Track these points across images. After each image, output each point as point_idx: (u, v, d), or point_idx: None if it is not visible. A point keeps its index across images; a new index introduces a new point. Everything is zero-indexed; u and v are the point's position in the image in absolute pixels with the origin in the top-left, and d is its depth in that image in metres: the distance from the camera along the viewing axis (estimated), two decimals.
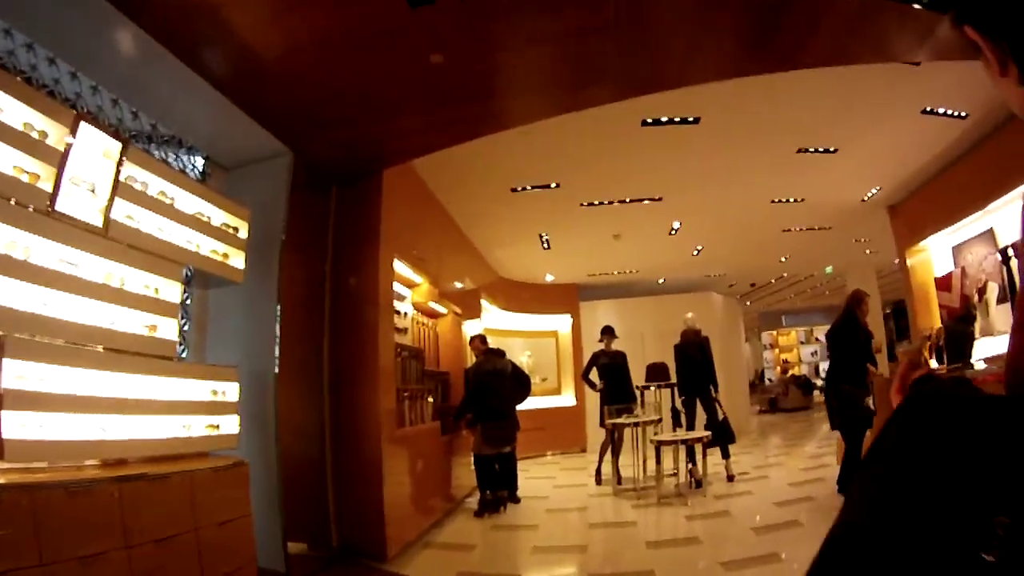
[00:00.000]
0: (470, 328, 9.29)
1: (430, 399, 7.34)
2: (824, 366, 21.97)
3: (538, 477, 9.84)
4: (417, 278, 7.37)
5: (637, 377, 9.20)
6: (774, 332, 22.37)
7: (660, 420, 8.18)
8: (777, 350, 22.03)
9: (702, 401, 8.23)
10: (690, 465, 7.60)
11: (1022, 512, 0.59)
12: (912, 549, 0.65)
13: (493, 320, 12.05)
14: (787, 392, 18.62)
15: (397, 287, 6.79)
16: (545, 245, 10.33)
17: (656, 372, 9.11)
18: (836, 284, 17.87)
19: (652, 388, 9.00)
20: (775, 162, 7.66)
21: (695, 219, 9.66)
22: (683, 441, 7.46)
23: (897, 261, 9.76)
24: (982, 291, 7.73)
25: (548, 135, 6.18)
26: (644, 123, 6.26)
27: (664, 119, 6.21)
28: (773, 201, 9.11)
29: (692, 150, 7.09)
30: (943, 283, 8.68)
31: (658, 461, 7.28)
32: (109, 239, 3.55)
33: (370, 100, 4.86)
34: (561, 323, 13.66)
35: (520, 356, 12.86)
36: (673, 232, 10.15)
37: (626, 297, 13.80)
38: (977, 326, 7.69)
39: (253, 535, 4.04)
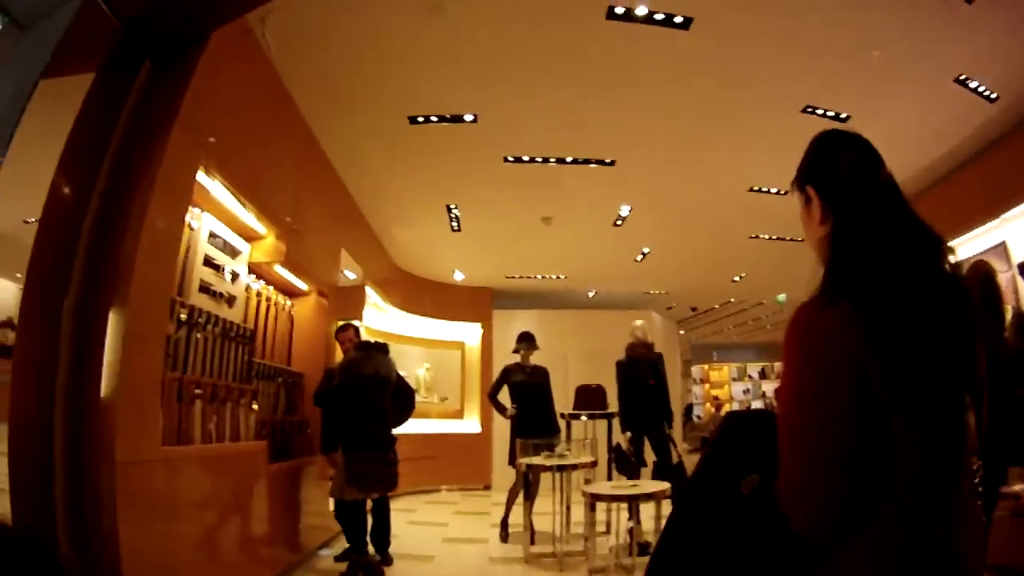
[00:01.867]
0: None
1: (255, 406, 4.88)
2: (758, 405, 21.17)
3: (425, 523, 7.56)
4: (259, 227, 4.99)
5: (562, 403, 7.07)
6: (705, 366, 20.90)
7: (595, 463, 5.99)
8: (708, 385, 20.67)
9: (651, 438, 6.15)
10: (632, 523, 5.32)
11: (766, 473, 1.18)
12: (712, 489, 1.33)
13: (384, 321, 9.75)
14: None
15: (224, 233, 4.63)
16: (454, 223, 8.05)
17: (589, 397, 6.95)
18: (779, 319, 16.32)
19: (583, 418, 6.82)
20: (773, 120, 5.70)
21: (649, 204, 7.56)
22: (630, 497, 5.05)
23: None
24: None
25: (469, 30, 4.30)
26: (611, 15, 4.17)
27: (642, 11, 4.15)
28: (752, 189, 7.15)
29: (673, 83, 5.10)
30: None
31: (591, 521, 4.99)
32: None
33: None
34: (469, 333, 11.36)
35: (416, 369, 10.59)
36: (619, 222, 8.03)
37: (549, 309, 11.69)
38: None
39: None
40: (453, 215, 7.79)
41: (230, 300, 4.76)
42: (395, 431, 5.58)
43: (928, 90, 5.30)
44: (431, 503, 9.05)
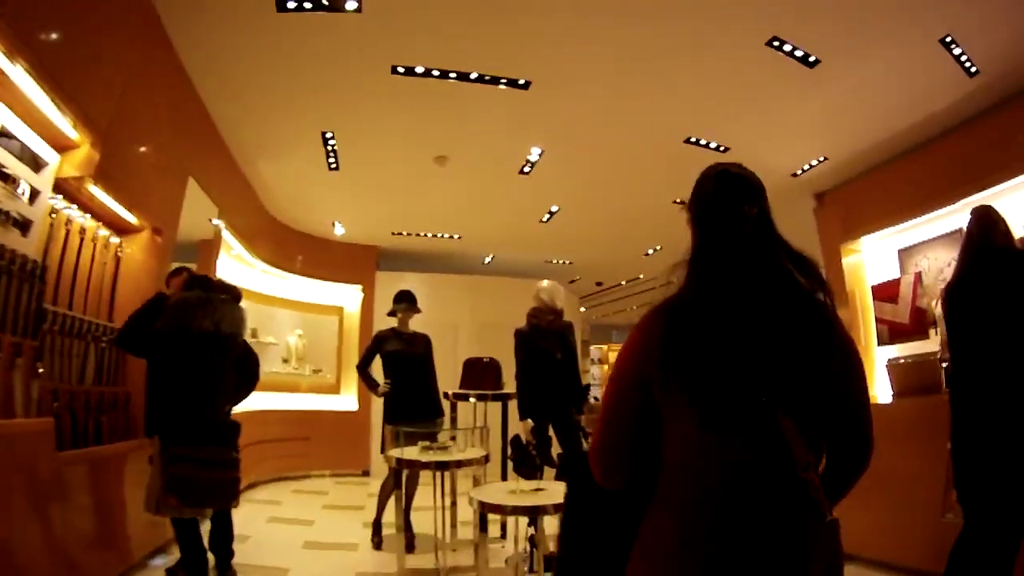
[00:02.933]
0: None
1: (40, 368, 3.40)
2: None
3: (287, 520, 6.27)
4: (72, 132, 3.53)
5: (449, 382, 5.92)
6: (604, 347, 20.05)
7: (487, 459, 4.66)
8: (606, 367, 19.94)
9: (557, 426, 5.09)
10: (532, 530, 4.17)
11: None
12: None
13: (250, 277, 8.28)
14: None
15: (25, 136, 3.37)
16: (332, 159, 6.64)
17: (480, 373, 5.71)
18: None
19: (471, 399, 5.57)
20: (731, 56, 4.74)
21: (564, 147, 6.41)
22: (530, 510, 3.60)
23: (823, 260, 7.29)
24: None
25: None
26: None
27: None
28: (689, 140, 6.14)
29: None
30: (885, 292, 6.47)
31: (482, 528, 3.66)
32: None
33: None
34: (349, 297, 9.96)
35: (287, 336, 9.18)
36: (526, 168, 6.84)
37: (440, 272, 10.42)
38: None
39: None
40: (330, 147, 6.38)
41: (23, 225, 3.37)
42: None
43: (910, 49, 4.58)
44: (299, 493, 7.73)
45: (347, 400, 9.52)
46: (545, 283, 5.40)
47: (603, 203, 8.10)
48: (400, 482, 4.73)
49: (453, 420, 5.64)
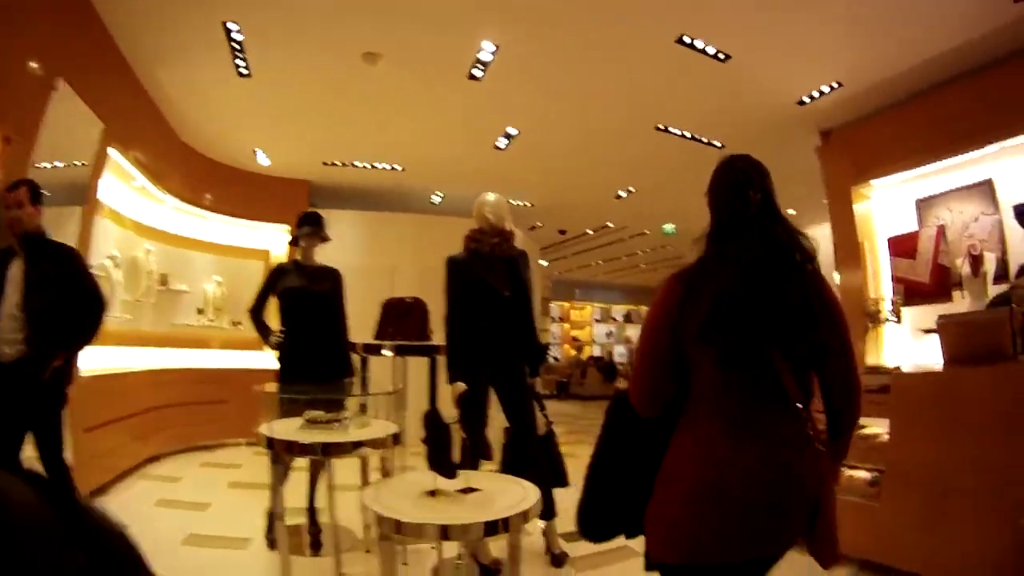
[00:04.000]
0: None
1: None
2: (621, 351, 19.98)
3: (178, 503, 5.13)
4: None
5: (360, 328, 4.65)
6: (566, 304, 19.19)
7: (397, 439, 3.27)
8: (568, 325, 18.97)
9: (503, 393, 3.78)
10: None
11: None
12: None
13: (160, 215, 7.17)
14: (584, 375, 15.91)
15: None
16: (239, 60, 5.29)
17: (401, 317, 4.51)
18: (655, 257, 14.64)
19: (387, 352, 4.32)
20: None
21: (526, 43, 5.14)
22: (445, 531, 2.12)
23: (828, 206, 6.26)
24: (977, 262, 5.02)
25: None
26: None
27: None
28: (682, 41, 4.94)
29: None
30: (902, 246, 5.60)
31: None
32: None
33: None
34: (276, 239, 8.62)
35: (204, 283, 7.92)
36: (477, 71, 5.53)
37: (381, 210, 9.13)
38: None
39: None
40: (236, 44, 5.07)
41: None
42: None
43: None
44: (207, 467, 6.53)
45: (270, 358, 8.26)
46: (491, 196, 3.99)
47: (572, 124, 6.80)
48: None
49: (364, 382, 4.44)
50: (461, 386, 3.55)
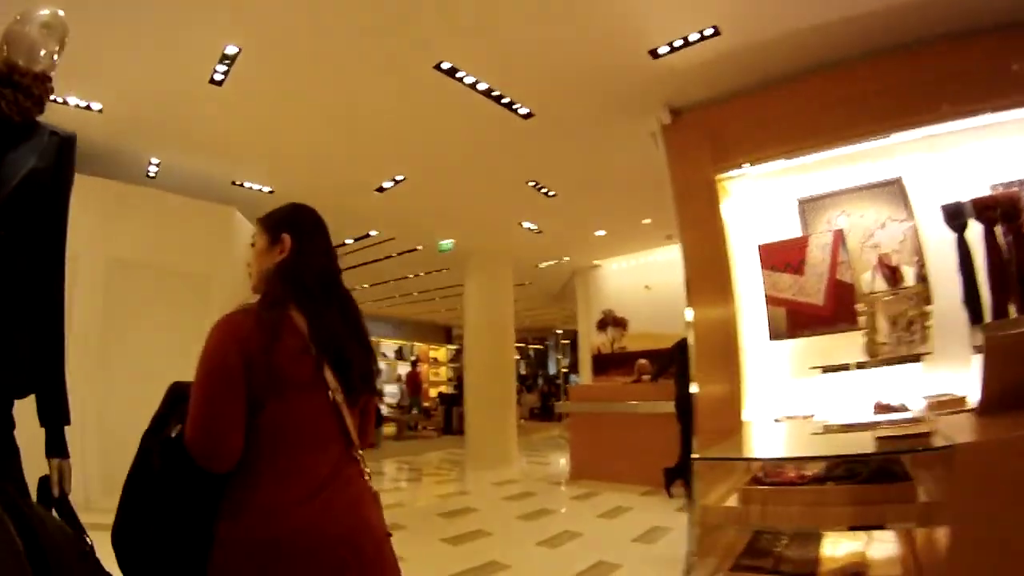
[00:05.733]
0: None
1: None
2: (392, 390, 17.99)
3: None
4: None
5: None
6: None
7: None
8: None
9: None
10: None
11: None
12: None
13: None
14: None
15: None
16: None
17: None
18: (430, 285, 12.70)
19: None
20: None
21: None
22: None
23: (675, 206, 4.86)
24: (895, 275, 3.92)
25: None
26: None
27: None
28: None
29: None
30: (781, 256, 4.24)
31: None
32: None
33: None
34: None
35: None
36: None
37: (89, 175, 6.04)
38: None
39: None
40: None
41: None
42: None
43: None
44: None
45: None
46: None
47: (320, 45, 4.57)
48: None
49: None
50: None
